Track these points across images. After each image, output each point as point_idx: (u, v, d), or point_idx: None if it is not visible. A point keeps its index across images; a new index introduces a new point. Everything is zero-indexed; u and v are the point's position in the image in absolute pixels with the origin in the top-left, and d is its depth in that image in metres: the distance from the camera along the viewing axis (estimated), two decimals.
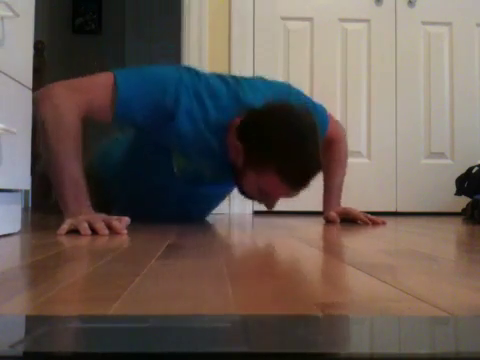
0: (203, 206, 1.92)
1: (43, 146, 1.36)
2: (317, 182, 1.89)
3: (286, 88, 1.72)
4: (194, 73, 1.52)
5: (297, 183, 1.45)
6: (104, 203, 1.57)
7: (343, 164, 1.89)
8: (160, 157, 1.61)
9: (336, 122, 1.91)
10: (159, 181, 1.68)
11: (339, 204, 1.85)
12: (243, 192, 1.58)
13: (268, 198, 1.53)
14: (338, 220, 1.79)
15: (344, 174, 1.88)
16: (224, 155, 1.52)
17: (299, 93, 1.74)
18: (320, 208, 1.89)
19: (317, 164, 1.44)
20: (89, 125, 1.41)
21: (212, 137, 1.51)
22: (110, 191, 1.79)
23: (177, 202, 1.74)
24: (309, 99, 1.80)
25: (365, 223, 1.77)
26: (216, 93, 1.50)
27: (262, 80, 1.69)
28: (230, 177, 1.57)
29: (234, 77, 1.63)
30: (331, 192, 1.85)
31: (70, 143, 1.32)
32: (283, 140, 1.39)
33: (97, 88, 1.42)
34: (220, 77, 1.58)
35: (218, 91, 1.51)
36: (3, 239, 1.11)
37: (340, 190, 1.87)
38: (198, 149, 1.53)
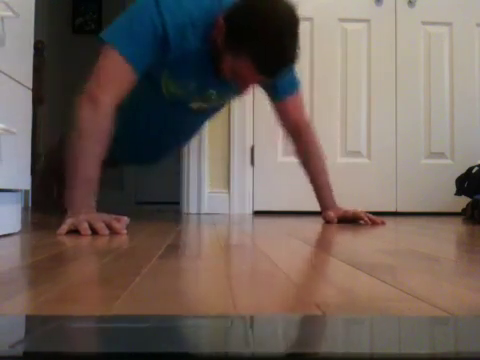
0: (192, 127, 2.02)
1: (71, 142, 1.40)
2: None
3: None
4: None
5: (269, 72, 1.52)
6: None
7: (322, 155, 1.90)
8: (150, 83, 1.64)
9: (303, 104, 1.92)
10: (151, 107, 1.75)
11: (334, 200, 1.86)
12: (220, 75, 1.61)
13: (242, 81, 1.59)
14: (335, 221, 1.79)
15: (326, 167, 1.90)
16: (208, 57, 1.56)
17: None
18: (319, 208, 1.89)
19: (292, 57, 1.50)
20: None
21: (198, 37, 1.54)
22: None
23: (171, 126, 1.83)
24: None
25: (365, 222, 1.77)
26: None
27: None
28: (213, 86, 1.64)
29: None
30: (325, 193, 1.86)
31: (98, 147, 1.39)
32: (261, 28, 1.43)
33: (116, 72, 1.47)
34: None
35: None
36: (3, 239, 1.11)
37: (330, 185, 1.88)
38: (186, 59, 1.56)
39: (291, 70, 1.74)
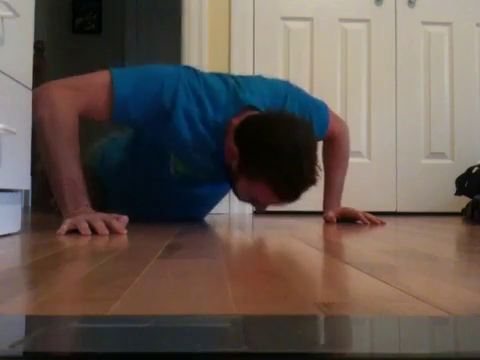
0: (201, 206, 1.92)
1: (41, 145, 1.35)
2: (317, 184, 1.91)
3: (286, 86, 1.71)
4: (193, 72, 1.52)
5: (288, 196, 1.46)
6: (101, 204, 1.57)
7: (344, 161, 1.88)
8: (157, 157, 1.60)
9: (337, 118, 1.90)
10: (156, 181, 1.68)
11: (339, 204, 1.86)
12: (236, 193, 1.58)
13: (259, 204, 1.54)
14: (335, 220, 1.79)
15: (345, 172, 1.88)
16: (221, 155, 1.51)
17: (298, 91, 1.74)
18: (320, 208, 1.89)
19: (310, 180, 1.43)
20: (86, 123, 1.41)
21: (209, 137, 1.50)
22: (107, 192, 1.78)
23: (175, 202, 1.74)
24: (309, 97, 1.80)
25: (364, 223, 1.77)
26: (215, 93, 1.50)
27: (261, 78, 1.69)
28: (225, 178, 1.57)
29: (233, 76, 1.62)
30: (331, 192, 1.85)
31: (67, 143, 1.32)
32: (278, 153, 1.38)
33: (94, 87, 1.42)
34: (219, 76, 1.58)
35: (217, 91, 1.51)
36: (3, 239, 1.11)
37: (340, 190, 1.87)
38: (195, 148, 1.53)
39: (312, 103, 1.69)
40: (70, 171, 1.30)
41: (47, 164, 1.35)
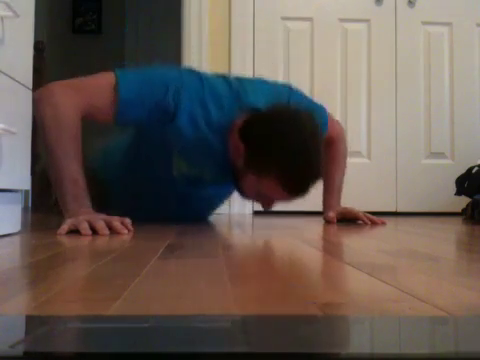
0: (204, 207, 1.92)
1: (42, 146, 1.36)
2: (317, 184, 1.90)
3: (287, 89, 1.72)
4: (196, 74, 1.52)
5: (297, 190, 1.45)
6: (103, 204, 1.57)
7: (342, 164, 1.89)
8: (160, 158, 1.60)
9: (336, 122, 1.91)
10: (159, 182, 1.67)
11: (339, 204, 1.86)
12: (241, 192, 1.58)
13: (266, 200, 1.53)
14: (335, 220, 1.79)
15: (343, 174, 1.88)
16: (225, 156, 1.51)
17: (300, 94, 1.74)
18: (320, 208, 1.89)
19: (318, 173, 1.44)
20: (88, 124, 1.41)
21: (214, 138, 1.50)
22: (109, 192, 1.78)
23: (177, 203, 1.73)
24: (310, 100, 1.80)
25: (364, 223, 1.77)
26: (218, 94, 1.50)
27: (263, 81, 1.69)
28: (230, 179, 1.56)
29: (236, 78, 1.63)
30: (331, 193, 1.86)
31: (69, 142, 1.32)
32: (286, 147, 1.37)
33: (97, 89, 1.42)
34: (222, 78, 1.58)
35: (220, 92, 1.51)
36: (3, 239, 1.11)
37: (340, 190, 1.87)
38: (198, 150, 1.53)
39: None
40: (72, 170, 1.30)
41: (49, 163, 1.35)
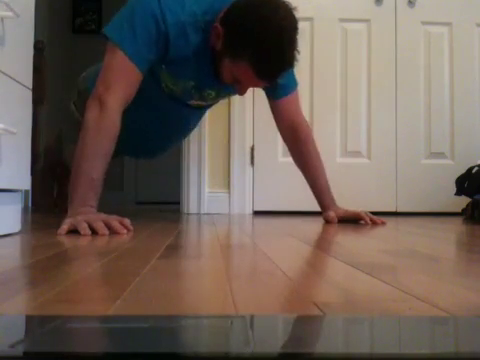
0: (189, 124, 2.02)
1: (78, 143, 1.40)
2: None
3: None
4: None
5: (268, 76, 1.53)
6: None
7: (319, 158, 1.89)
8: (149, 80, 1.63)
9: (299, 104, 1.92)
10: (150, 103, 1.73)
11: (334, 201, 1.86)
12: (220, 78, 1.61)
13: (241, 85, 1.59)
14: (336, 221, 1.79)
15: (324, 168, 1.88)
16: (207, 54, 1.56)
17: None
18: (319, 208, 1.89)
19: (290, 62, 1.50)
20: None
21: (199, 37, 1.54)
22: None
23: (169, 120, 1.84)
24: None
25: (365, 222, 1.77)
26: None
27: None
28: (210, 83, 1.64)
29: None
30: (323, 191, 1.86)
31: (104, 148, 1.39)
32: (260, 33, 1.42)
33: (122, 72, 1.48)
34: None
35: None
36: (3, 239, 1.11)
37: (329, 187, 1.87)
38: (186, 58, 1.56)
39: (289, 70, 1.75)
40: (94, 170, 1.35)
41: (76, 159, 1.39)
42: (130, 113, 1.72)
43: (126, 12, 1.53)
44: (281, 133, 1.93)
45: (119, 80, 1.48)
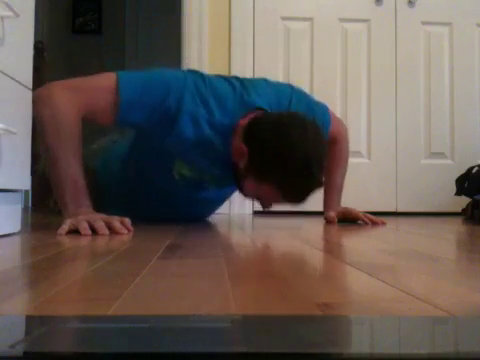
0: (204, 209, 1.92)
1: (42, 146, 1.35)
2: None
3: (289, 89, 1.71)
4: (199, 76, 1.52)
5: (295, 200, 1.47)
6: (102, 205, 1.56)
7: (344, 164, 1.89)
8: (160, 161, 1.59)
9: (338, 121, 1.90)
10: (159, 185, 1.66)
11: (339, 204, 1.86)
12: (242, 192, 1.58)
13: (265, 203, 1.54)
14: (336, 220, 1.79)
15: (345, 173, 1.88)
16: (226, 157, 1.51)
17: (302, 93, 1.74)
18: (320, 208, 1.89)
19: (318, 185, 1.44)
20: (86, 124, 1.40)
21: (216, 139, 1.50)
22: (107, 196, 1.78)
23: (177, 205, 1.73)
24: (312, 99, 1.80)
25: (365, 223, 1.78)
26: (221, 95, 1.50)
27: (266, 81, 1.69)
28: (231, 181, 1.56)
29: (238, 79, 1.62)
30: (331, 192, 1.86)
31: (69, 143, 1.32)
32: (289, 159, 1.36)
33: (98, 90, 1.41)
34: (225, 79, 1.58)
35: (223, 93, 1.51)
36: (3, 239, 1.11)
37: (340, 190, 1.87)
38: (200, 153, 1.52)
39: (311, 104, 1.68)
40: (71, 171, 1.30)
41: (48, 163, 1.35)
42: (132, 185, 1.67)
43: (150, 71, 1.49)
44: None
45: (89, 92, 1.39)
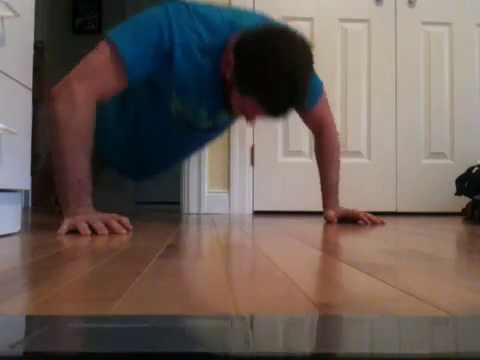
0: (197, 146, 1.99)
1: (52, 141, 1.36)
2: (317, 184, 1.90)
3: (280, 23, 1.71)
4: (182, 4, 1.52)
5: (276, 114, 1.48)
6: (100, 162, 1.58)
7: (336, 159, 1.88)
8: (157, 103, 1.61)
9: (328, 107, 1.87)
10: (158, 128, 1.70)
11: (337, 201, 1.86)
12: (229, 107, 1.58)
13: (249, 118, 1.56)
14: (336, 220, 1.79)
15: (338, 168, 1.87)
16: (217, 82, 1.52)
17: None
18: (320, 208, 1.89)
19: (302, 98, 1.45)
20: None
21: (207, 63, 1.51)
22: (107, 147, 1.80)
23: (173, 148, 1.80)
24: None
25: (364, 223, 1.77)
26: (208, 19, 1.51)
27: (259, 13, 1.71)
28: (223, 107, 1.59)
29: (229, 7, 1.63)
30: (328, 191, 1.86)
31: (80, 141, 1.33)
32: (271, 73, 1.37)
33: (102, 69, 1.42)
34: (213, 6, 1.60)
35: (210, 17, 1.52)
36: (3, 239, 1.11)
37: (337, 186, 1.87)
38: (193, 84, 1.53)
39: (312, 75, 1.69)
40: (78, 169, 1.32)
41: (55, 158, 1.35)
42: (133, 132, 1.70)
43: (133, 21, 1.49)
44: (307, 125, 1.90)
45: (98, 74, 1.41)
